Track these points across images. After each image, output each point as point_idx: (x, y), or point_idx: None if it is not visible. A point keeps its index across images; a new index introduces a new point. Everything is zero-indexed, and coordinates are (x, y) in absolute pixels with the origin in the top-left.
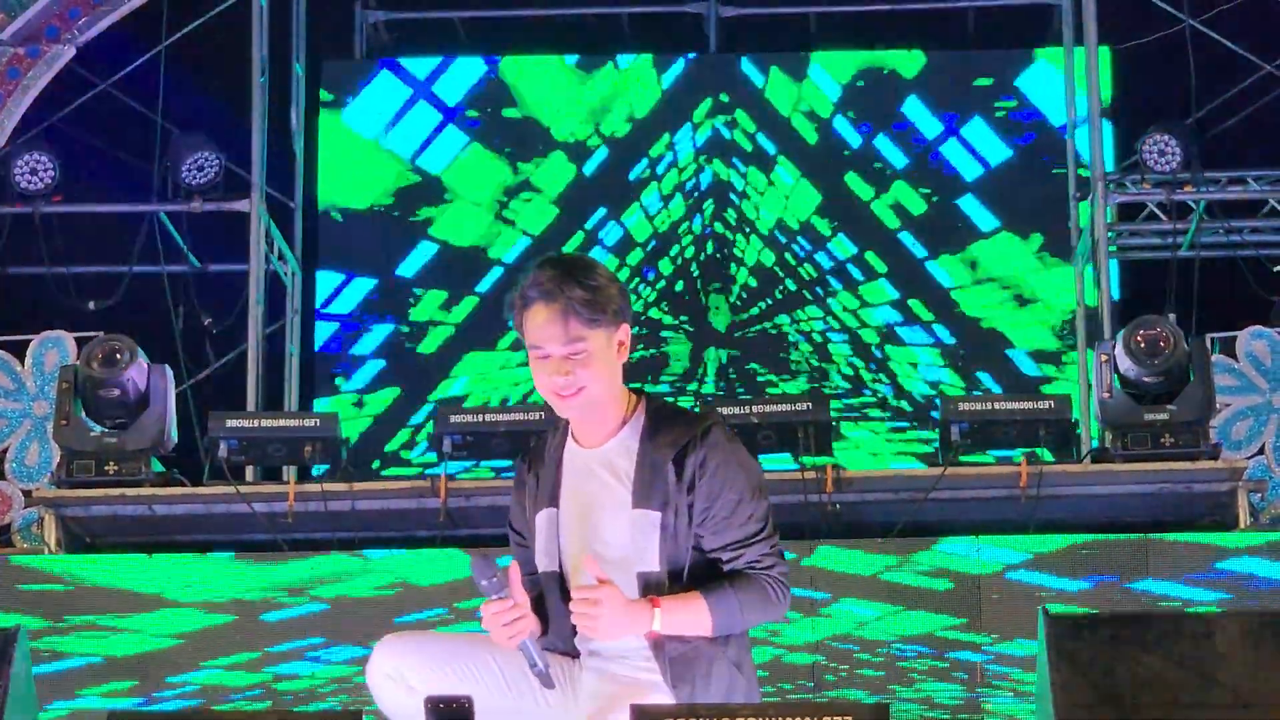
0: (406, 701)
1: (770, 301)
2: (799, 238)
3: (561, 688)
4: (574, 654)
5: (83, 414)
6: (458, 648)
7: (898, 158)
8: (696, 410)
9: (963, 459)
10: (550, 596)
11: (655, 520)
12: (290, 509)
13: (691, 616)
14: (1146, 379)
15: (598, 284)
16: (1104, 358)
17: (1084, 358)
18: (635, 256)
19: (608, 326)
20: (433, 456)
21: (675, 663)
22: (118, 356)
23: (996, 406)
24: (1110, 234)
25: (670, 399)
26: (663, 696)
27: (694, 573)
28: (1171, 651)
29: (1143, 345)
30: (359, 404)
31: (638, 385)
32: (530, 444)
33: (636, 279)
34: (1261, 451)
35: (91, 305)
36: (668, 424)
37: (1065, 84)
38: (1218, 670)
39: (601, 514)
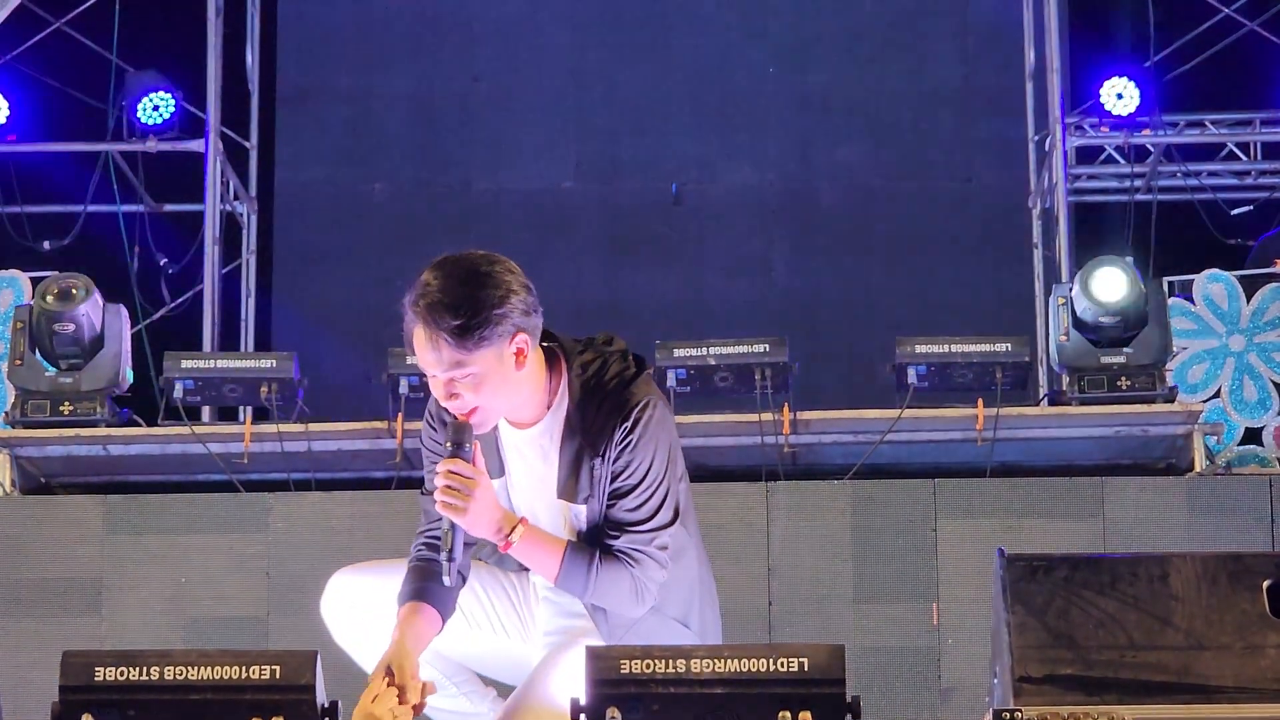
0: (364, 633)
1: None
2: None
3: (519, 613)
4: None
5: (37, 354)
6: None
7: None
8: (630, 381)
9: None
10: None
11: (580, 514)
12: (246, 449)
13: (543, 556)
14: (1103, 320)
15: (474, 308)
16: (1061, 301)
17: (1042, 302)
18: None
19: (494, 346)
20: None
21: (611, 617)
22: (73, 292)
23: (953, 349)
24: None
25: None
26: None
27: None
28: (1126, 593)
29: (1099, 285)
30: None
31: (552, 346)
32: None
33: None
34: (1218, 395)
35: (46, 245)
36: (594, 406)
37: (1024, 26)
38: (1172, 612)
39: (531, 500)
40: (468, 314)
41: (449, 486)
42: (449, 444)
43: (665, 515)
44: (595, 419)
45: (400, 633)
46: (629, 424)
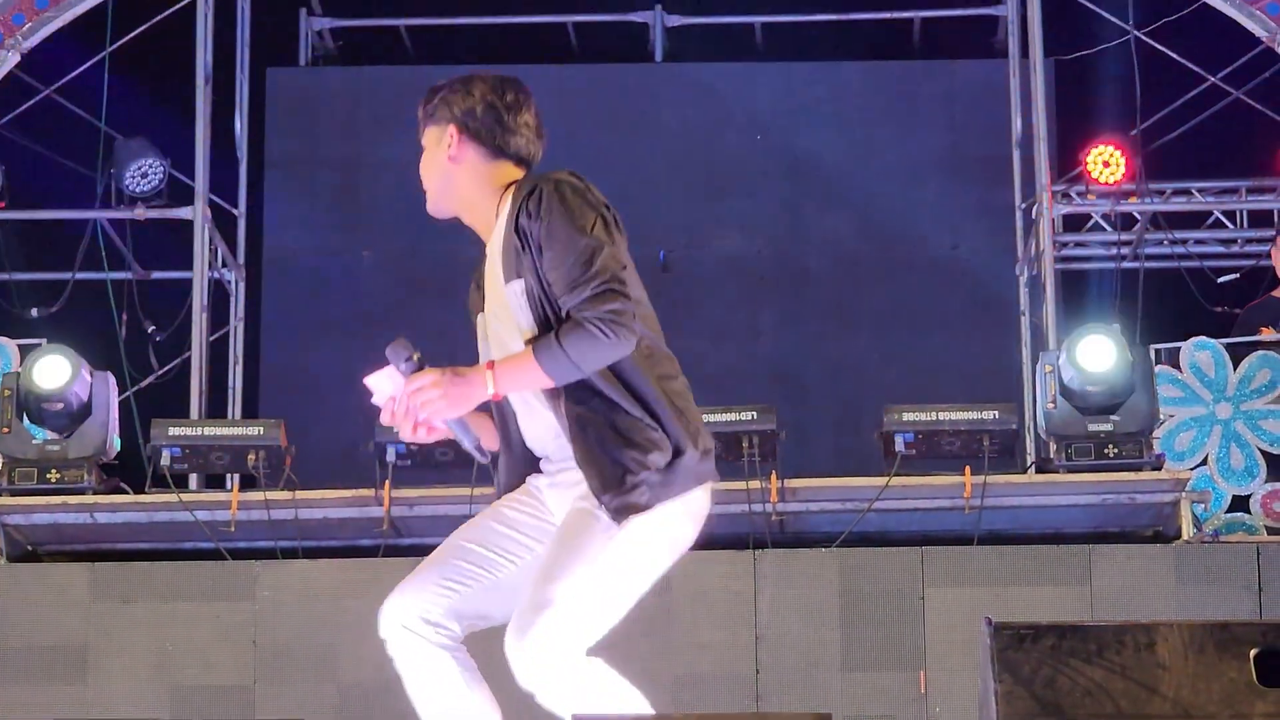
0: (434, 659)
1: None
2: None
3: (538, 513)
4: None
5: (25, 421)
6: (452, 561)
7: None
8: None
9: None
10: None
11: (519, 288)
12: (233, 517)
13: (522, 370)
14: (1090, 388)
15: (444, 85)
16: (1048, 369)
17: (1029, 369)
18: None
19: (436, 124)
20: None
21: (571, 417)
22: (59, 373)
23: (940, 416)
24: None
25: None
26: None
27: None
28: (1113, 662)
29: (1086, 353)
30: None
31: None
32: None
33: None
34: (1205, 463)
35: (35, 312)
36: (516, 196)
37: (1010, 94)
38: (1159, 680)
39: (495, 301)
40: (437, 89)
41: (421, 403)
42: (399, 367)
43: (601, 263)
44: (513, 205)
45: None
46: (531, 185)
